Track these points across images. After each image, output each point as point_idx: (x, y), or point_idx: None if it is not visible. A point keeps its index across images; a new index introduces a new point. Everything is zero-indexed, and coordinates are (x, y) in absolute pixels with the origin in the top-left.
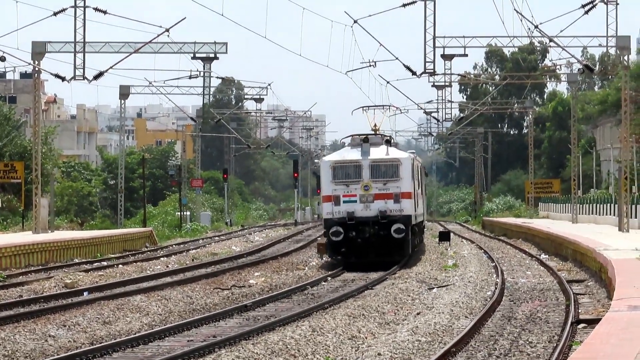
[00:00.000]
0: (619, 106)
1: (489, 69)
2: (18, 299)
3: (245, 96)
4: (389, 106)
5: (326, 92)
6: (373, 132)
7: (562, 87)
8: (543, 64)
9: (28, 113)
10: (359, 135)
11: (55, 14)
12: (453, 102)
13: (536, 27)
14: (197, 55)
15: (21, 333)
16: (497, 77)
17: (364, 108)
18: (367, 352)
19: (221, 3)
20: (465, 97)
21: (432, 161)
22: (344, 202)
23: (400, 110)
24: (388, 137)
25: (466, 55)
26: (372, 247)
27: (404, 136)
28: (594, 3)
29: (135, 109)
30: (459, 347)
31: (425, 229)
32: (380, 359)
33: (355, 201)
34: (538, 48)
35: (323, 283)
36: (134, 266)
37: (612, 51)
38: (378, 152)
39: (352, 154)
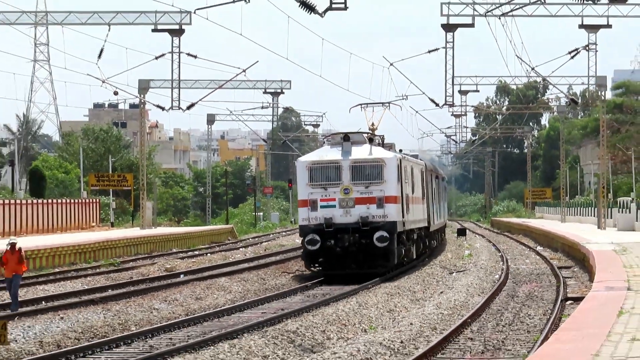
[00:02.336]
0: (597, 131)
1: (497, 101)
2: (129, 279)
3: (305, 122)
4: (389, 103)
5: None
6: (369, 131)
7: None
8: (539, 99)
9: (135, 135)
10: (340, 133)
11: (156, 58)
12: (468, 127)
13: (533, 68)
14: (267, 90)
15: (132, 306)
16: (503, 107)
17: (362, 105)
18: (402, 322)
19: (286, 49)
20: (477, 123)
21: (451, 174)
22: (322, 207)
23: (401, 107)
24: (371, 135)
25: (478, 91)
26: (353, 257)
27: (429, 154)
28: (578, 50)
29: (219, 132)
30: (473, 318)
31: (445, 227)
32: (412, 327)
33: (334, 206)
34: (535, 85)
35: None
36: (219, 255)
37: (592, 88)
38: (360, 152)
39: (331, 154)
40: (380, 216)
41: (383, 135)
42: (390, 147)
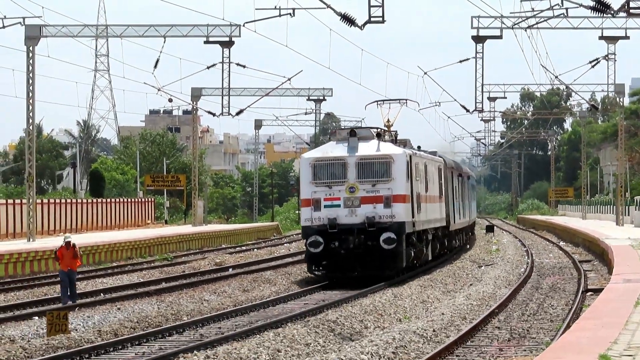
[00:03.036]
0: (616, 135)
1: (523, 107)
2: (181, 273)
3: (345, 127)
4: (406, 100)
5: (404, 124)
6: (385, 127)
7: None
8: (562, 105)
9: (188, 139)
10: (347, 128)
11: (208, 67)
12: (496, 131)
13: (556, 77)
14: (310, 97)
15: (183, 298)
16: (528, 113)
17: (379, 102)
18: (434, 312)
19: (328, 59)
20: (505, 127)
21: (480, 174)
22: (325, 206)
23: (419, 104)
24: (380, 130)
25: (505, 98)
26: (358, 259)
27: (460, 155)
28: (598, 60)
29: (265, 136)
30: (501, 309)
31: (474, 225)
32: (443, 317)
33: (339, 206)
34: (558, 92)
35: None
36: (265, 250)
37: (611, 95)
38: (367, 148)
39: (336, 150)
40: (387, 216)
41: (396, 131)
42: (404, 143)
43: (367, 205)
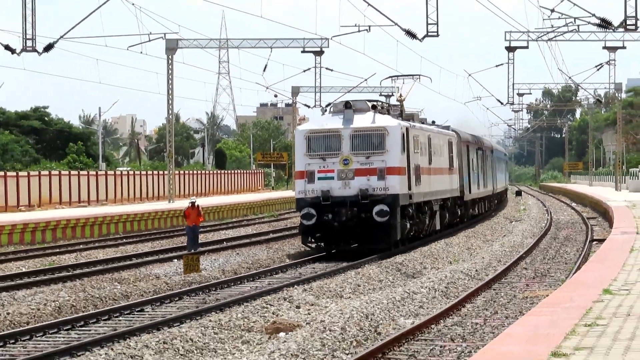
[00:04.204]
0: (615, 121)
1: (544, 101)
2: (284, 227)
3: None
4: (419, 75)
5: (449, 112)
6: (398, 102)
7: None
8: (574, 99)
9: (289, 126)
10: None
11: (304, 71)
12: (523, 119)
13: (569, 77)
14: (382, 94)
15: (286, 245)
16: (548, 105)
17: (393, 78)
18: (476, 256)
19: (396, 64)
20: (530, 116)
21: (511, 152)
22: (319, 179)
23: (431, 79)
24: (375, 103)
25: (530, 93)
26: (351, 231)
27: (496, 138)
28: (602, 65)
29: None
30: (527, 254)
31: (506, 191)
32: (483, 260)
33: (333, 178)
34: (571, 89)
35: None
36: None
37: (612, 91)
38: (362, 120)
39: (331, 122)
40: (381, 188)
41: (401, 104)
42: (411, 116)
43: (361, 177)
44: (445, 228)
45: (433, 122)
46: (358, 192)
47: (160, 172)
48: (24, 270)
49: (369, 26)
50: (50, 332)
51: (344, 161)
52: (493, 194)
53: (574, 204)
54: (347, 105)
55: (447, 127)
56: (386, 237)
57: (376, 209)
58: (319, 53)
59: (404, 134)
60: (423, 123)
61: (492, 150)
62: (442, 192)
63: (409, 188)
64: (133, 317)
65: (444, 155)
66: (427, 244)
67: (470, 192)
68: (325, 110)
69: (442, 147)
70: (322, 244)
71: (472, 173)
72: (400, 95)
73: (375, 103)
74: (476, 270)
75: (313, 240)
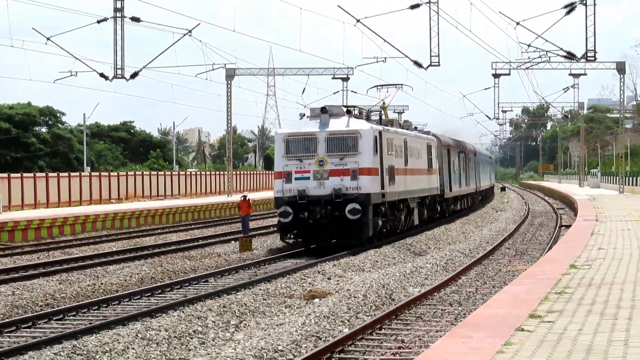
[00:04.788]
0: (579, 132)
1: (522, 115)
2: None
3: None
4: (401, 85)
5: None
6: (380, 109)
7: (554, 124)
8: (546, 115)
9: None
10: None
11: (334, 93)
12: (506, 130)
13: (543, 97)
14: (395, 111)
15: None
16: (526, 119)
17: (378, 87)
18: (470, 238)
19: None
20: (512, 128)
21: (497, 157)
22: (296, 179)
23: (412, 88)
24: (351, 108)
25: (512, 110)
26: (326, 229)
27: (485, 145)
28: (568, 88)
29: None
30: (509, 236)
31: (492, 188)
32: (475, 242)
33: (309, 178)
34: (544, 106)
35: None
36: None
37: (576, 108)
38: (337, 124)
39: (308, 126)
40: (353, 188)
41: (380, 110)
42: (391, 122)
43: (335, 177)
44: (425, 223)
45: (415, 127)
46: (332, 191)
47: (221, 173)
48: (114, 249)
49: (385, 57)
50: (134, 298)
51: (320, 162)
52: (476, 192)
53: (546, 198)
54: (324, 110)
55: (428, 132)
56: (358, 234)
57: (349, 207)
58: (346, 79)
59: (376, 137)
60: (407, 129)
61: (475, 153)
62: (420, 191)
63: (382, 187)
64: (199, 287)
65: (422, 157)
66: (432, 229)
67: (450, 190)
68: (304, 115)
69: (420, 150)
70: (300, 239)
71: (453, 173)
72: (383, 103)
73: (350, 108)
74: (470, 250)
75: (291, 236)
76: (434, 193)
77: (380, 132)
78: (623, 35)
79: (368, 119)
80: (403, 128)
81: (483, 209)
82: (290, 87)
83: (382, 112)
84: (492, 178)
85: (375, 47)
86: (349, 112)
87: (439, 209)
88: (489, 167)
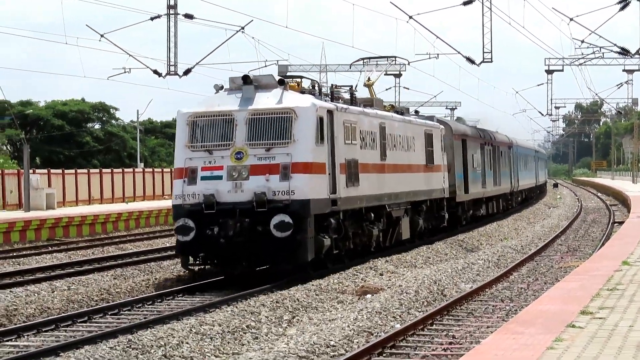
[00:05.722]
0: (633, 129)
1: (576, 112)
2: None
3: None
4: (394, 57)
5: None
6: (366, 86)
7: (608, 120)
8: (599, 111)
9: None
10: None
11: (386, 89)
12: (559, 127)
13: (596, 94)
14: (447, 107)
15: None
16: (579, 116)
17: (365, 60)
18: (522, 235)
19: (459, 83)
20: (565, 124)
21: (549, 153)
22: (203, 178)
23: (409, 62)
24: (290, 79)
25: (565, 107)
26: (243, 250)
27: (538, 141)
28: (622, 84)
29: None
30: (562, 233)
31: (538, 186)
32: (527, 238)
33: (221, 177)
34: (597, 103)
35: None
36: None
37: (630, 104)
38: (265, 100)
39: (225, 103)
40: (284, 192)
41: (351, 87)
42: (370, 102)
43: (258, 177)
44: (425, 235)
45: (416, 111)
46: (253, 196)
47: None
48: (167, 245)
49: (437, 54)
50: (187, 294)
51: (237, 155)
52: (512, 192)
53: (599, 194)
54: (247, 79)
55: (431, 118)
56: (290, 258)
57: (275, 220)
58: (398, 75)
59: (321, 118)
60: (404, 114)
61: (510, 146)
62: (412, 194)
63: (333, 191)
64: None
65: (417, 150)
66: (485, 225)
67: (467, 192)
68: (221, 88)
69: (412, 139)
70: (208, 266)
71: (472, 171)
72: (369, 79)
73: (285, 79)
74: (521, 246)
75: (198, 260)
76: (437, 196)
77: (330, 112)
78: None
79: (332, 97)
80: (399, 113)
81: (536, 205)
82: (342, 83)
83: (369, 90)
84: (540, 175)
85: (427, 43)
86: (281, 83)
87: (446, 216)
88: (534, 162)
